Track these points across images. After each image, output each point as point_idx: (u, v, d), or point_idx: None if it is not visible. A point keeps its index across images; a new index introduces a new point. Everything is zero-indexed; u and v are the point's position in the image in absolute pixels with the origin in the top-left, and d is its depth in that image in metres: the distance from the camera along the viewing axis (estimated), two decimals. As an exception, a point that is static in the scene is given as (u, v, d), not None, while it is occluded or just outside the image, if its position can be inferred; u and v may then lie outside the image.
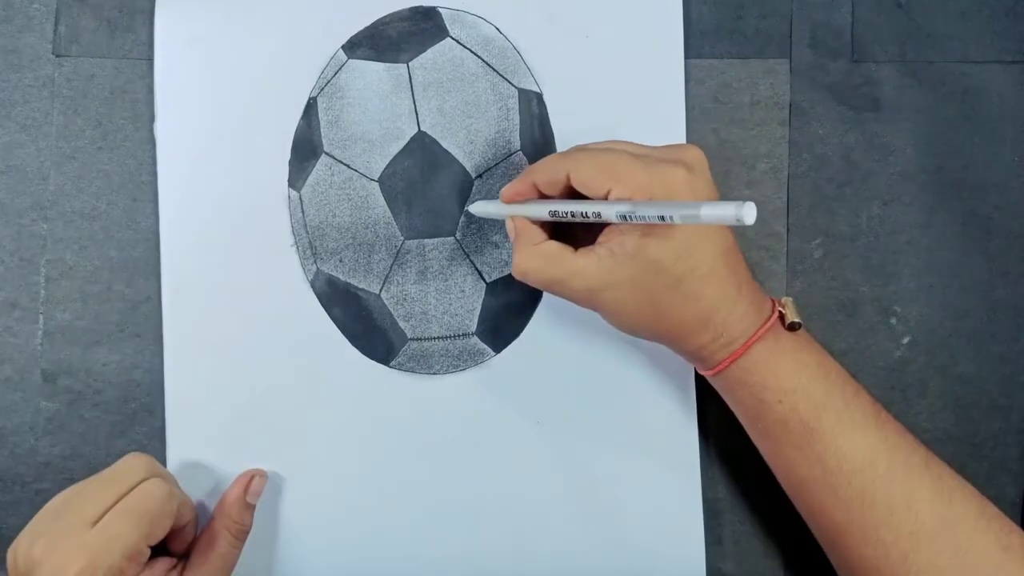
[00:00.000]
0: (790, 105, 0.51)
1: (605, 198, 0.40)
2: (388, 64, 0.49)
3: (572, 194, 0.42)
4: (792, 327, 0.43)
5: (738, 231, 0.50)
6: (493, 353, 0.49)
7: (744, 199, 0.38)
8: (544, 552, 0.49)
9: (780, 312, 0.43)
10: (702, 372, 0.44)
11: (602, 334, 0.49)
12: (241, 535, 0.46)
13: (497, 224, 0.49)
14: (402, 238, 0.49)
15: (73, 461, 0.49)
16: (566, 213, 0.41)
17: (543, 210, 0.42)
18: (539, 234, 0.43)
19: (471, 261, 0.49)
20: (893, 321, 0.51)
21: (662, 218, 0.37)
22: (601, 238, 0.41)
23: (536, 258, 0.42)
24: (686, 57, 0.50)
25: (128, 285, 0.49)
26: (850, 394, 0.42)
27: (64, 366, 0.49)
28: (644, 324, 0.42)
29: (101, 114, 0.49)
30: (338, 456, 0.49)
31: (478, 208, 0.47)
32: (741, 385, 0.42)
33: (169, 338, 0.48)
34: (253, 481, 0.47)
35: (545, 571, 0.49)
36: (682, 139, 0.50)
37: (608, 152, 0.41)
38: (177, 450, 0.48)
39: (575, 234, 0.43)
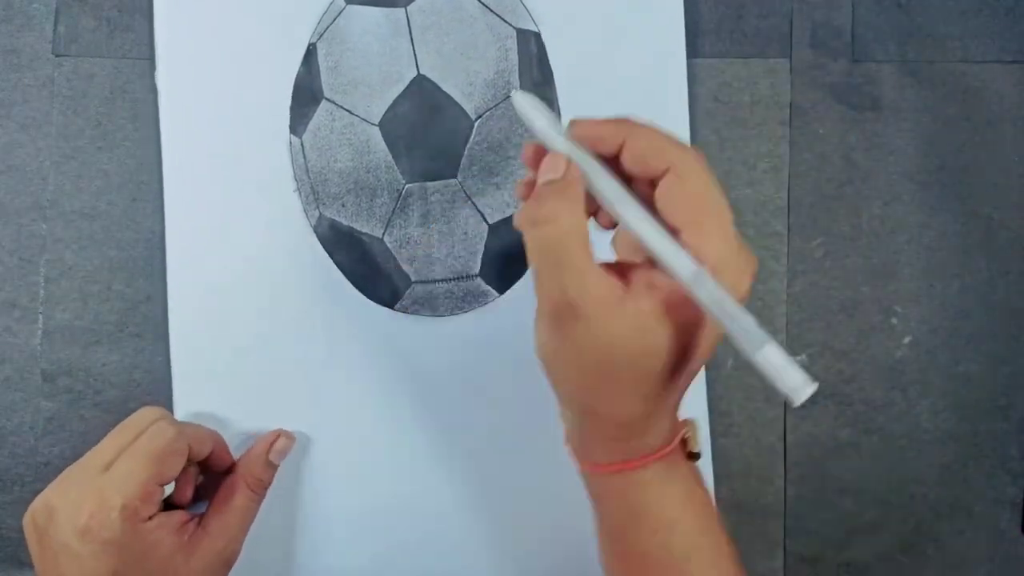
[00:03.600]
0: (790, 105, 0.51)
1: (652, 187, 0.33)
2: (386, 9, 0.49)
3: (612, 162, 0.34)
4: (692, 457, 0.38)
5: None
6: (497, 294, 0.49)
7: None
8: (549, 488, 0.49)
9: (685, 437, 0.37)
10: (580, 464, 0.39)
11: None
12: (260, 490, 0.46)
13: (499, 165, 0.49)
14: (404, 182, 0.49)
15: (73, 461, 0.48)
16: (625, 217, 0.33)
17: (611, 189, 0.33)
18: (578, 190, 0.34)
19: (473, 203, 0.49)
20: (893, 321, 0.51)
21: (717, 312, 0.30)
22: (637, 268, 0.34)
23: (570, 220, 0.33)
24: (688, 57, 0.50)
25: (128, 285, 0.49)
26: (724, 541, 0.38)
27: (64, 366, 0.49)
28: (565, 370, 0.35)
29: (101, 114, 0.49)
30: (345, 399, 0.49)
31: (527, 102, 0.35)
32: (618, 497, 0.37)
33: (173, 284, 0.48)
34: (279, 441, 0.47)
35: (550, 504, 0.49)
36: (683, 78, 0.50)
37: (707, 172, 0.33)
38: (183, 394, 0.48)
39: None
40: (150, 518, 0.41)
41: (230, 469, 0.47)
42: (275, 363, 0.49)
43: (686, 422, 0.38)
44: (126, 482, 0.40)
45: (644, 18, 0.50)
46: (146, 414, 0.44)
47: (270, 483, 0.47)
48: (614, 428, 0.36)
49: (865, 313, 0.51)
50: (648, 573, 0.38)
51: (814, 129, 0.51)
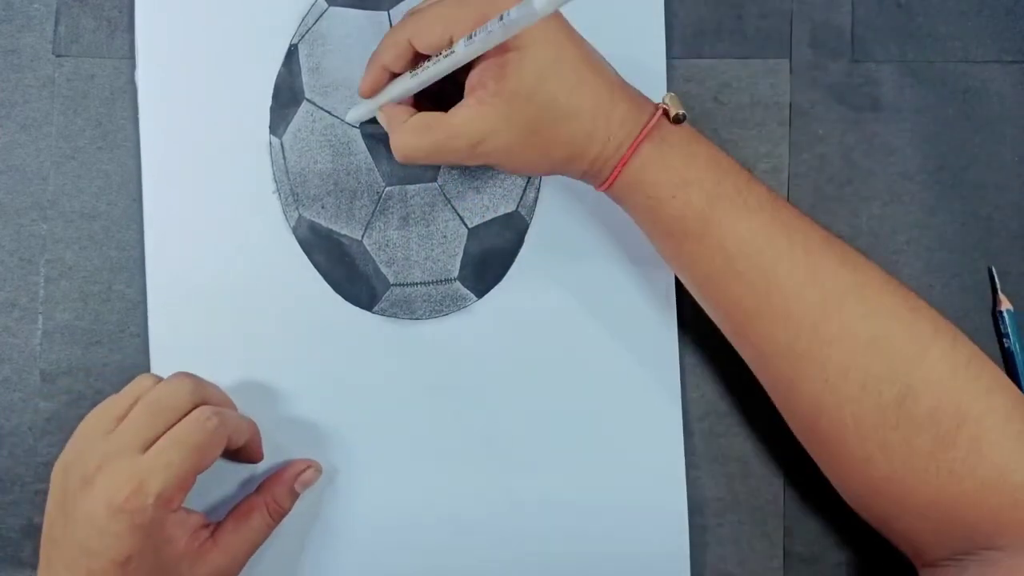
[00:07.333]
0: (790, 105, 0.51)
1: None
2: (369, 11, 0.49)
3: (422, 61, 0.42)
4: (677, 119, 0.42)
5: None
6: (475, 298, 0.49)
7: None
8: (525, 495, 0.49)
9: (664, 108, 0.42)
10: (600, 189, 0.43)
11: (584, 278, 0.50)
12: (277, 516, 0.46)
13: (479, 169, 0.49)
14: (384, 184, 0.49)
15: (73, 461, 0.49)
16: (425, 72, 0.41)
17: (406, 83, 0.42)
18: (406, 111, 0.43)
19: (453, 207, 0.49)
20: (893, 321, 0.51)
21: (504, 27, 0.36)
22: (465, 94, 0.41)
23: (409, 133, 0.42)
24: (686, 57, 0.50)
25: (128, 285, 0.49)
26: (743, 182, 0.41)
27: (64, 366, 0.49)
28: (536, 159, 0.42)
29: (101, 114, 0.49)
30: (321, 401, 0.49)
31: (352, 115, 0.48)
32: (636, 189, 0.42)
33: (151, 285, 0.48)
34: (307, 472, 0.47)
35: (527, 512, 0.49)
36: (663, 79, 0.50)
37: (438, 4, 0.41)
38: None
39: (447, 104, 0.43)
40: (175, 510, 0.41)
41: (257, 458, 0.47)
42: (251, 364, 0.48)
43: (663, 100, 0.42)
44: (167, 470, 0.39)
45: (624, 19, 0.49)
46: (182, 390, 0.42)
47: (288, 511, 0.47)
48: (582, 155, 0.41)
49: (865, 313, 0.51)
50: (688, 232, 0.41)
51: (814, 129, 0.51)
